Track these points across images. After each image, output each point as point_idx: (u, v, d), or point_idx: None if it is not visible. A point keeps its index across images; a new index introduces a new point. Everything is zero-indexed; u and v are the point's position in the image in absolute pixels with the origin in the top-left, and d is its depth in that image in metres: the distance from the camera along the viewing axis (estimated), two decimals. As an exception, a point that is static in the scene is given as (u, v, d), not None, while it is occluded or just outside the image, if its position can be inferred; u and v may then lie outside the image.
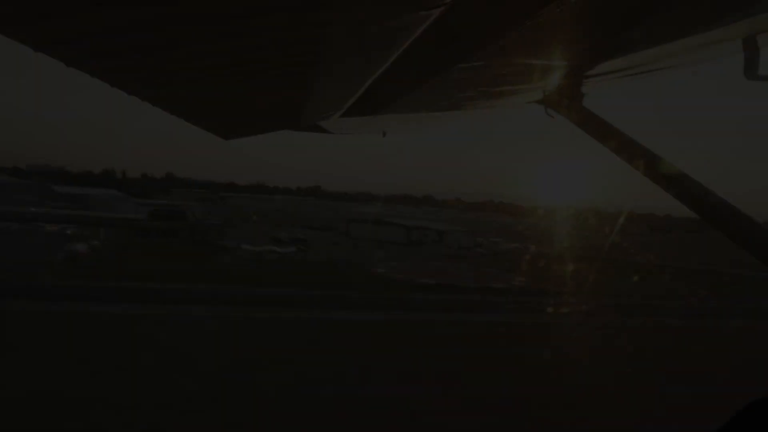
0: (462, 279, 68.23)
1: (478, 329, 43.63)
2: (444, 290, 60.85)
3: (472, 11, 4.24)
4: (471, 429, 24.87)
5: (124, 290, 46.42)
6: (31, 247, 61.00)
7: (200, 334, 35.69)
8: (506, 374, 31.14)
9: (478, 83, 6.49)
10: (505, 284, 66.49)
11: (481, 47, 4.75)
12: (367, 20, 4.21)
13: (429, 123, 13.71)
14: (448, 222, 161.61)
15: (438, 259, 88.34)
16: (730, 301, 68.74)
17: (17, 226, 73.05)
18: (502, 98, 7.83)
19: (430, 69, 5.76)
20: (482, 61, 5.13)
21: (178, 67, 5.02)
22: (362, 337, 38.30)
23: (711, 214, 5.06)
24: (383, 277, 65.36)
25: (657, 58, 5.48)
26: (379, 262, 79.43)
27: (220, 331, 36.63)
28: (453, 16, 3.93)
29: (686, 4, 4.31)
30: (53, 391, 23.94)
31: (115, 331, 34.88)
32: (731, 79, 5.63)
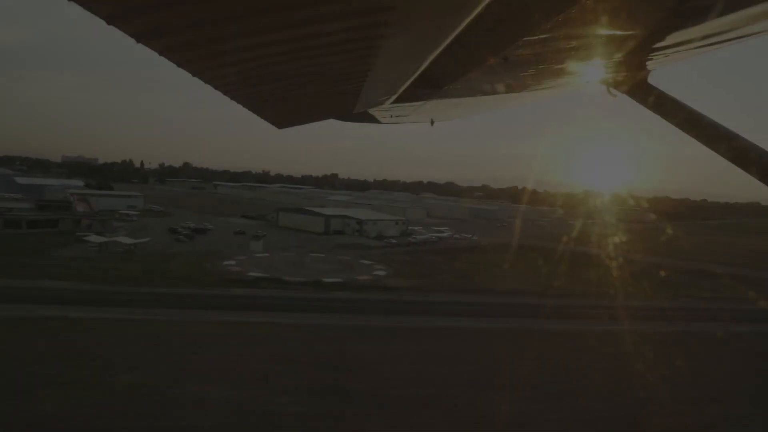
0: (299, 272, 65.50)
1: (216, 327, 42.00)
2: (254, 284, 58.37)
3: None
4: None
5: None
6: None
7: None
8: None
9: (540, 60, 6.30)
10: (335, 277, 63.48)
11: (546, 20, 4.58)
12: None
13: (479, 108, 13.31)
14: (414, 210, 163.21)
15: (322, 250, 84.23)
16: None
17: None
18: (563, 77, 7.57)
19: (492, 45, 5.57)
20: (547, 33, 4.96)
21: (246, 57, 5.21)
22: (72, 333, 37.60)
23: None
24: (206, 272, 62.73)
25: (734, 26, 5.07)
26: (241, 253, 76.56)
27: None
28: None
29: None
30: None
31: None
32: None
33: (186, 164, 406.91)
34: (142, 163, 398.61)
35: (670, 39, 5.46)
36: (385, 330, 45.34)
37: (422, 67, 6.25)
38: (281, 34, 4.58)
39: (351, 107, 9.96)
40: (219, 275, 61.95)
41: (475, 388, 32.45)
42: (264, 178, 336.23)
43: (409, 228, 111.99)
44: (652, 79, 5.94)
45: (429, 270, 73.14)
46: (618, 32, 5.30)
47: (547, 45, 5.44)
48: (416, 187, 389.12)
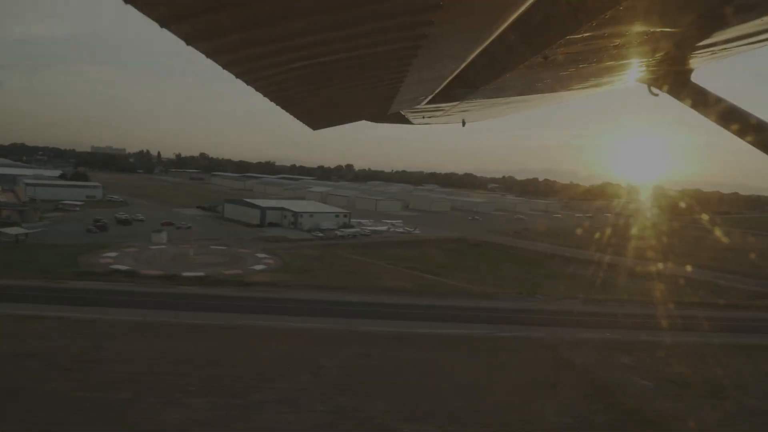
0: (175, 266, 64.02)
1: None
2: (106, 277, 56.80)
3: None
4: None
5: None
6: None
7: None
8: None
9: (582, 59, 6.20)
10: (204, 271, 62.15)
11: (592, 18, 4.54)
12: None
13: (513, 108, 13.26)
14: (388, 203, 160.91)
15: (237, 242, 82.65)
16: None
17: None
18: (603, 76, 7.47)
19: (534, 44, 5.54)
20: (591, 32, 4.89)
21: (289, 59, 5.30)
22: None
23: None
24: (72, 264, 61.46)
25: None
26: (136, 246, 75.42)
27: None
28: None
29: None
30: None
31: None
32: None
33: (202, 154, 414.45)
34: (159, 154, 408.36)
35: (714, 37, 5.32)
36: (166, 326, 44.14)
37: (461, 68, 6.27)
38: (326, 34, 4.60)
39: (386, 108, 10.00)
40: (81, 268, 61.53)
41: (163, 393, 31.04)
42: (269, 168, 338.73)
43: (351, 221, 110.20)
44: (694, 77, 5.88)
45: (320, 265, 71.40)
46: (661, 30, 5.18)
47: (590, 43, 5.34)
48: (429, 179, 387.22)
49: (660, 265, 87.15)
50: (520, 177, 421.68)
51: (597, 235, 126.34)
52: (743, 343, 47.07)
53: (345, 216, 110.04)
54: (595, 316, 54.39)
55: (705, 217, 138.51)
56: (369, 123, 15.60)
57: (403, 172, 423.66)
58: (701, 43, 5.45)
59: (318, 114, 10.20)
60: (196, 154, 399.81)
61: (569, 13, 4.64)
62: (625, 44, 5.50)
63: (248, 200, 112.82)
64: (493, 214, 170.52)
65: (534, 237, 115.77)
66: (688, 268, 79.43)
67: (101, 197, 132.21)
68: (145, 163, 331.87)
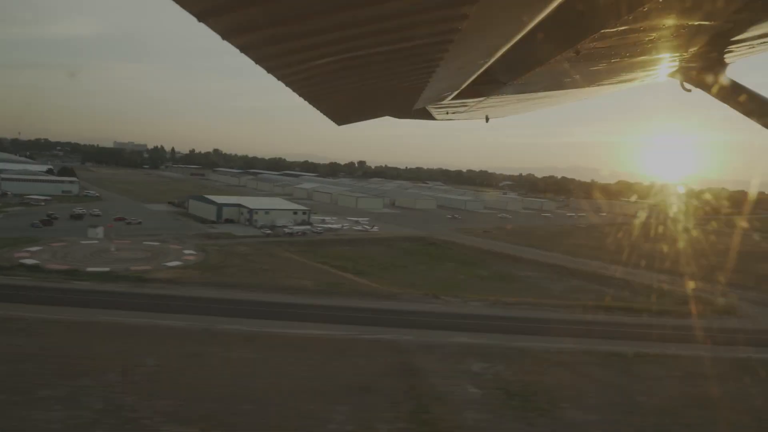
0: (91, 261, 63.71)
1: None
2: (7, 272, 56.64)
3: None
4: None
5: None
6: None
7: None
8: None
9: (614, 53, 6.15)
10: (110, 266, 61.64)
11: (628, 12, 4.55)
12: None
13: (540, 104, 13.29)
14: (369, 200, 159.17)
15: (175, 239, 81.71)
16: None
17: None
18: (635, 71, 7.45)
19: (566, 38, 5.54)
20: (626, 25, 4.90)
21: (322, 53, 5.32)
22: None
23: None
24: None
25: None
26: (65, 240, 75.58)
27: None
28: None
29: None
30: None
31: None
32: None
33: (215, 150, 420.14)
34: (173, 149, 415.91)
35: (752, 31, 5.26)
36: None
37: (490, 62, 6.21)
38: (360, 29, 4.62)
39: (411, 103, 10.05)
40: (-11, 261, 62.35)
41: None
42: (277, 164, 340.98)
43: (322, 218, 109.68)
44: (730, 73, 5.82)
45: (240, 263, 70.51)
46: (698, 23, 5.15)
47: (625, 37, 5.33)
48: (440, 176, 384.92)
49: (619, 268, 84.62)
50: (540, 174, 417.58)
51: (566, 236, 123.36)
52: (619, 351, 44.60)
53: (304, 213, 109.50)
54: (486, 319, 52.44)
55: (722, 216, 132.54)
56: (392, 120, 15.36)
57: (418, 169, 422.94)
58: (738, 37, 5.34)
59: (344, 109, 10.23)
60: (210, 149, 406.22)
61: (607, 6, 4.58)
62: (660, 38, 5.41)
63: (207, 196, 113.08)
64: (479, 212, 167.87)
65: (500, 236, 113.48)
66: (641, 272, 76.52)
67: (77, 192, 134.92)
68: (156, 158, 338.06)
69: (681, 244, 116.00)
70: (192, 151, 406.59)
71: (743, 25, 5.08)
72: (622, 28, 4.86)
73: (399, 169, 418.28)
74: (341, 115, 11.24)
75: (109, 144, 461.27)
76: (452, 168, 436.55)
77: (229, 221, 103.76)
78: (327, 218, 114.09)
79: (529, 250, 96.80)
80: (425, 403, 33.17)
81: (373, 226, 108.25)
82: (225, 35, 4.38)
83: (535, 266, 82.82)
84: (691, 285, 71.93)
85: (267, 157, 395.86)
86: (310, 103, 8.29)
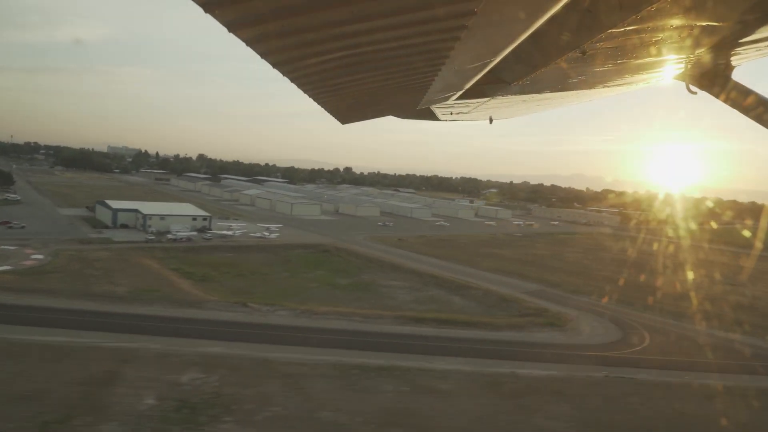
0: None
1: None
2: None
3: None
4: None
5: None
6: None
7: None
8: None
9: (620, 54, 6.16)
10: None
11: (635, 11, 4.52)
12: None
13: (543, 105, 13.12)
14: (307, 206, 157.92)
15: (38, 243, 78.66)
16: None
17: None
18: (640, 72, 7.45)
19: (573, 38, 5.52)
20: (633, 25, 4.87)
21: (328, 48, 5.32)
22: None
23: None
24: None
25: None
26: None
27: None
28: None
29: None
30: None
31: None
32: None
33: (200, 155, 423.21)
34: (157, 154, 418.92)
35: (759, 33, 5.23)
36: None
37: (496, 60, 6.17)
38: (367, 24, 4.62)
39: (416, 102, 10.10)
40: None
41: None
42: (251, 170, 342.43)
43: (218, 223, 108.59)
44: (736, 75, 5.81)
45: (80, 268, 67.86)
46: (706, 24, 5.13)
47: (631, 38, 5.34)
48: (421, 182, 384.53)
49: (502, 278, 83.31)
50: (540, 182, 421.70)
51: (484, 246, 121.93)
52: (367, 364, 42.72)
53: (205, 219, 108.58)
54: (270, 329, 50.07)
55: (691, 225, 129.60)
56: (394, 125, 15.16)
57: (408, 176, 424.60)
58: (745, 39, 5.30)
59: (348, 107, 10.24)
60: (206, 154, 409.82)
61: (614, 7, 4.55)
62: (666, 39, 5.39)
63: (108, 201, 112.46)
64: (422, 220, 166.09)
65: (410, 245, 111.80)
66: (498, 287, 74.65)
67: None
68: (139, 162, 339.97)
69: (594, 256, 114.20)
70: (176, 156, 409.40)
71: (751, 27, 4.98)
72: (629, 28, 4.79)
73: (389, 176, 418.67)
74: (345, 114, 11.17)
75: (103, 148, 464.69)
76: (445, 174, 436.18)
77: (124, 226, 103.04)
78: (234, 224, 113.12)
79: (424, 259, 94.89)
80: (76, 413, 31.94)
81: (273, 233, 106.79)
82: (231, 27, 4.35)
83: (409, 276, 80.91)
84: (550, 298, 70.59)
85: (263, 163, 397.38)
86: (314, 99, 8.21)
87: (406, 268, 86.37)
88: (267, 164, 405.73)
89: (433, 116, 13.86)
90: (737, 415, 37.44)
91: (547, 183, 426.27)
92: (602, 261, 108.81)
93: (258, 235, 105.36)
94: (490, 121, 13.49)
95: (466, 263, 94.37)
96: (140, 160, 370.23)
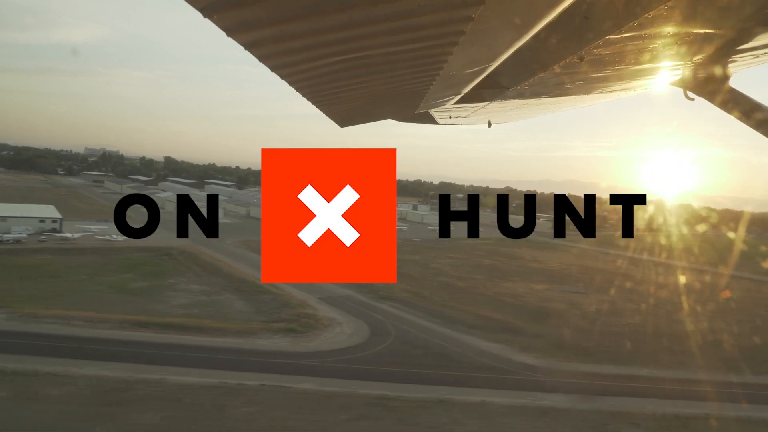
0: None
1: None
2: None
3: None
4: None
5: None
6: None
7: None
8: None
9: (618, 60, 6.13)
10: None
11: (633, 18, 4.54)
12: None
13: (541, 110, 13.07)
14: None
15: None
16: None
17: None
18: (638, 78, 7.46)
19: (571, 44, 5.53)
20: (631, 32, 4.89)
21: (326, 53, 5.31)
22: None
23: None
24: None
25: None
26: None
27: None
28: None
29: None
30: None
31: None
32: None
33: (166, 158, 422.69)
34: (121, 156, 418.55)
35: (757, 40, 5.30)
36: None
37: (495, 66, 6.19)
38: (366, 28, 4.61)
39: (414, 106, 10.02)
40: None
41: None
42: (219, 172, 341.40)
43: (76, 225, 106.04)
44: (733, 82, 5.93)
45: None
46: (703, 31, 5.15)
47: (629, 44, 5.36)
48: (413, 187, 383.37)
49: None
50: (526, 188, 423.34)
51: None
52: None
53: (54, 221, 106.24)
54: None
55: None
56: (394, 123, 15.07)
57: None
58: (743, 47, 5.39)
59: (347, 110, 10.18)
60: (184, 157, 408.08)
61: (611, 13, 4.60)
62: (664, 45, 5.47)
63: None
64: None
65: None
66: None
67: None
68: (105, 164, 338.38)
69: (475, 263, 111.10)
70: (142, 158, 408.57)
71: (748, 35, 5.05)
72: (627, 34, 4.84)
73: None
74: (344, 117, 11.10)
75: (81, 149, 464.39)
76: (427, 179, 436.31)
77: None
78: (95, 227, 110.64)
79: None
80: None
81: (113, 236, 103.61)
82: (229, 32, 4.34)
83: (220, 280, 77.38)
84: (341, 304, 67.90)
85: (245, 166, 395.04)
86: (313, 103, 8.16)
87: (226, 272, 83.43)
88: (250, 168, 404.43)
89: (432, 120, 13.85)
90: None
91: (540, 189, 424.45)
92: (473, 267, 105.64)
93: (106, 237, 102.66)
94: (489, 125, 13.69)
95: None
96: (105, 161, 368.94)
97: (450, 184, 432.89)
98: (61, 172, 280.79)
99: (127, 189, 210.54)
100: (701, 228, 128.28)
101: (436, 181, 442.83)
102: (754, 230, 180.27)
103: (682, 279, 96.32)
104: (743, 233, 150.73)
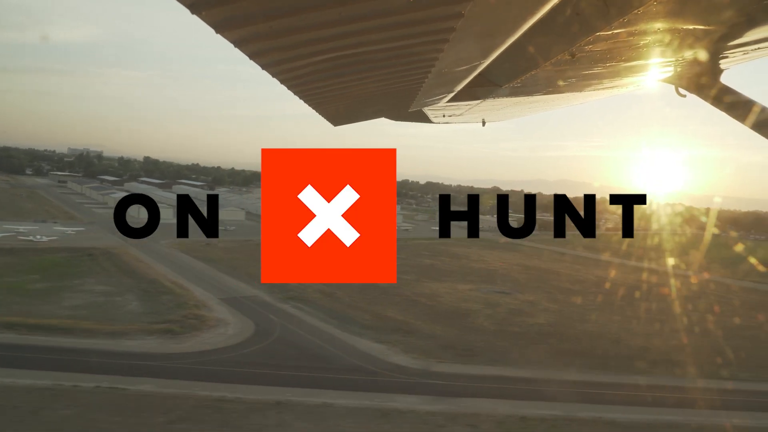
0: None
1: None
2: None
3: None
4: None
5: None
6: None
7: None
8: None
9: (609, 57, 6.22)
10: None
11: (623, 14, 4.57)
12: None
13: (534, 108, 13.15)
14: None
15: None
16: None
17: None
18: (629, 75, 7.56)
19: (562, 41, 5.58)
20: (621, 28, 4.95)
21: (316, 50, 5.31)
22: None
23: None
24: None
25: None
26: None
27: None
28: None
29: None
30: None
31: None
32: None
33: (146, 158, 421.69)
34: (100, 156, 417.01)
35: (748, 36, 5.38)
36: None
37: (486, 63, 6.27)
38: (355, 25, 4.62)
39: (407, 104, 10.00)
40: None
41: None
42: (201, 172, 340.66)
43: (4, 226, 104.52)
44: (724, 79, 6.02)
45: None
46: (693, 27, 5.23)
47: (619, 40, 5.41)
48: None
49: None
50: (520, 188, 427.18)
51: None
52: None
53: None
54: None
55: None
56: (388, 122, 15.13)
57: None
58: (733, 42, 5.48)
59: (340, 109, 10.17)
60: (173, 157, 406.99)
61: (601, 9, 4.63)
62: (655, 42, 5.51)
63: None
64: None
65: (203, 252, 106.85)
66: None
67: None
68: (82, 164, 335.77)
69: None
70: (121, 158, 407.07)
71: (738, 31, 5.11)
72: (617, 31, 4.87)
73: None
74: (337, 116, 11.13)
75: (64, 149, 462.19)
76: (413, 179, 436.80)
77: None
78: (22, 227, 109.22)
79: (192, 265, 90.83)
80: None
81: (50, 237, 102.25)
82: (218, 29, 4.30)
83: (131, 282, 74.08)
84: (240, 305, 66.96)
85: (230, 167, 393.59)
86: (305, 101, 8.18)
87: (141, 273, 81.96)
88: (233, 168, 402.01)
89: (425, 118, 13.81)
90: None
91: (533, 189, 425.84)
92: (409, 267, 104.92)
93: (30, 238, 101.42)
94: (483, 123, 13.69)
95: (230, 269, 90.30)
96: (82, 162, 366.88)
97: (436, 184, 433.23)
98: (29, 172, 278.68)
99: (86, 189, 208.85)
100: (681, 227, 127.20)
101: (422, 181, 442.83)
102: (740, 230, 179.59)
103: (627, 279, 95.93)
104: (713, 231, 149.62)
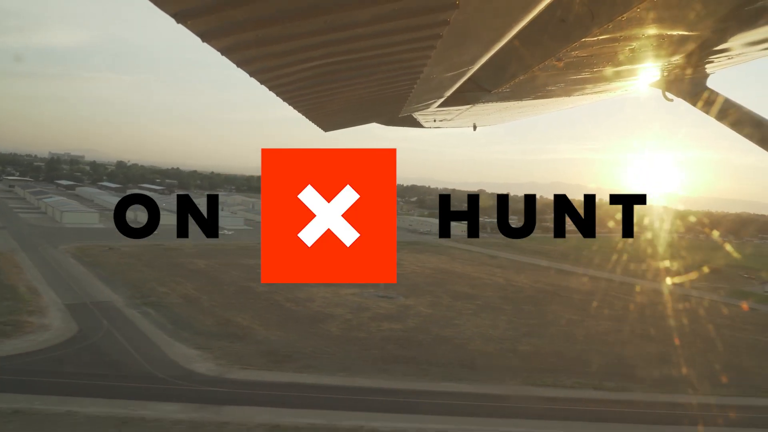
0: None
1: None
2: None
3: None
4: None
5: None
6: None
7: None
8: None
9: (596, 62, 6.25)
10: None
11: (609, 20, 4.63)
12: None
13: (524, 113, 13.17)
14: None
15: None
16: None
17: None
18: (617, 80, 7.55)
19: (550, 46, 5.65)
20: (608, 34, 5.01)
21: (304, 57, 5.34)
22: None
23: None
24: None
25: None
26: None
27: None
28: None
29: None
30: None
31: None
32: None
33: (119, 162, 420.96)
34: (75, 161, 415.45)
35: (733, 41, 5.44)
36: None
37: (474, 69, 6.30)
38: (342, 33, 4.64)
39: (398, 110, 10.09)
40: None
41: None
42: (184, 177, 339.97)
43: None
44: (710, 83, 6.12)
45: None
46: (678, 33, 5.27)
47: (605, 46, 5.47)
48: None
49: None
50: (490, 190, 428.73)
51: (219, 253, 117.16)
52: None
53: None
54: None
55: None
56: (380, 127, 15.09)
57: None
58: (719, 47, 5.49)
59: (330, 115, 10.15)
60: (160, 161, 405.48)
61: (585, 15, 4.68)
62: (641, 47, 5.52)
63: None
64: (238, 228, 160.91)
65: (102, 256, 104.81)
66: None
67: None
68: (53, 168, 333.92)
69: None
70: (93, 163, 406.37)
71: (722, 36, 5.13)
72: (602, 37, 4.90)
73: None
74: (327, 121, 11.06)
75: (45, 154, 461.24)
76: (405, 182, 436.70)
77: None
78: None
79: (74, 270, 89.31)
80: None
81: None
82: (204, 37, 4.30)
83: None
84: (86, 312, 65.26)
85: (217, 171, 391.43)
86: (294, 108, 8.20)
87: (3, 280, 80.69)
88: (212, 172, 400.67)
89: (417, 123, 13.88)
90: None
91: (526, 192, 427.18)
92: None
93: None
94: (474, 128, 13.72)
95: (109, 275, 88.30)
96: (52, 167, 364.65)
97: (420, 187, 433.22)
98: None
99: (27, 194, 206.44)
100: (652, 229, 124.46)
101: (407, 183, 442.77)
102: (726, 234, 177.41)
103: (537, 283, 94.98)
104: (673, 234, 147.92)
